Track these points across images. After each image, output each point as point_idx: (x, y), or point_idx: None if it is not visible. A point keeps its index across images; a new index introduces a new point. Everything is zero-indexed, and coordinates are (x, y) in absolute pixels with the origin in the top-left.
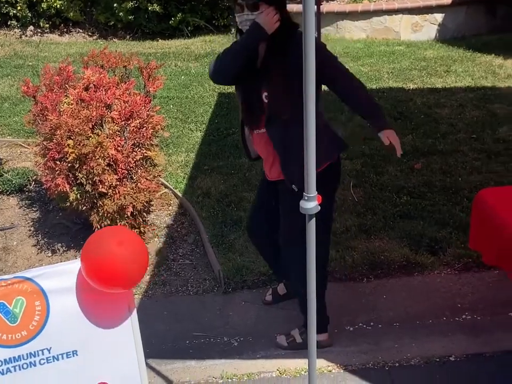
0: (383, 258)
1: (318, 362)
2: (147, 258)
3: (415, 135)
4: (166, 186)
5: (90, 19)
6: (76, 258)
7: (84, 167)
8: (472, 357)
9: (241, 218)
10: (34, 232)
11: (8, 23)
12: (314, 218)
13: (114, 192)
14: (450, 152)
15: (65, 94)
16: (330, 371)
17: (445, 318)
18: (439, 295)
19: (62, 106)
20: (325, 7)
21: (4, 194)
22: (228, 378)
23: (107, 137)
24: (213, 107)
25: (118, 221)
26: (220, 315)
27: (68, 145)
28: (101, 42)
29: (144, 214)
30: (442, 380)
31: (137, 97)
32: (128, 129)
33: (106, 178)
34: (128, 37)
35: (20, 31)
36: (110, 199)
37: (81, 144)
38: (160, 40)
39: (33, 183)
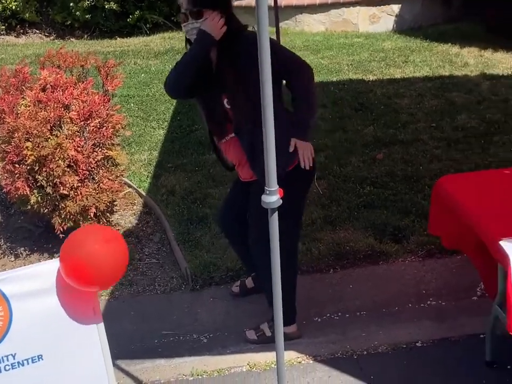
0: (349, 248)
1: (287, 354)
2: (127, 256)
3: (376, 125)
4: (129, 186)
5: (47, 19)
6: (39, 262)
7: (44, 169)
8: (438, 342)
9: (207, 215)
10: None
11: None
12: (277, 212)
13: (76, 193)
14: (411, 142)
15: (22, 96)
16: (299, 362)
17: (410, 305)
18: (404, 282)
19: (19, 109)
20: (283, 1)
21: None
22: (198, 375)
23: (66, 138)
24: (174, 104)
25: (81, 222)
26: (188, 312)
27: (27, 147)
28: (58, 43)
29: (108, 214)
30: (410, 366)
31: (95, 97)
32: (87, 129)
33: (67, 179)
34: (86, 36)
35: None
36: (72, 201)
37: (40, 146)
38: (118, 38)
39: None
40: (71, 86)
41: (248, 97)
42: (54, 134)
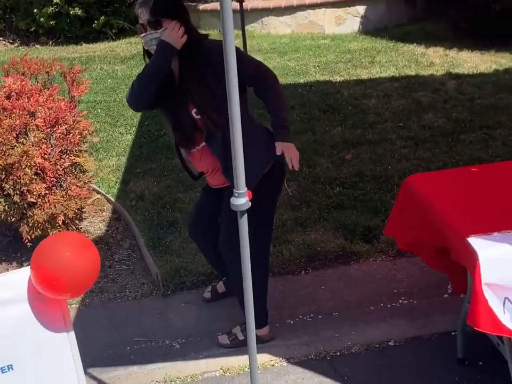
0: (320, 249)
1: (261, 357)
2: (100, 263)
3: (344, 126)
4: (98, 192)
5: (10, 26)
6: (7, 272)
7: (10, 178)
8: (411, 341)
9: (177, 220)
10: None
11: None
12: (246, 215)
13: (43, 201)
14: (379, 141)
15: None
16: (273, 365)
17: (382, 304)
18: (376, 282)
19: None
20: (249, 4)
21: None
22: (171, 381)
23: (33, 146)
24: None
25: (49, 230)
26: (160, 318)
27: None
28: (23, 49)
29: (77, 221)
30: (383, 365)
31: (61, 103)
32: (54, 136)
33: (34, 187)
34: (51, 42)
35: None
36: (39, 209)
37: (6, 154)
38: (84, 44)
39: None
40: (36, 93)
41: (216, 104)
42: (20, 142)
